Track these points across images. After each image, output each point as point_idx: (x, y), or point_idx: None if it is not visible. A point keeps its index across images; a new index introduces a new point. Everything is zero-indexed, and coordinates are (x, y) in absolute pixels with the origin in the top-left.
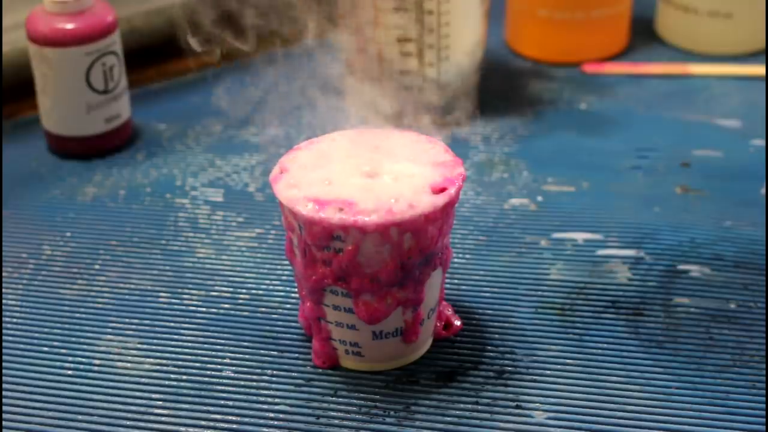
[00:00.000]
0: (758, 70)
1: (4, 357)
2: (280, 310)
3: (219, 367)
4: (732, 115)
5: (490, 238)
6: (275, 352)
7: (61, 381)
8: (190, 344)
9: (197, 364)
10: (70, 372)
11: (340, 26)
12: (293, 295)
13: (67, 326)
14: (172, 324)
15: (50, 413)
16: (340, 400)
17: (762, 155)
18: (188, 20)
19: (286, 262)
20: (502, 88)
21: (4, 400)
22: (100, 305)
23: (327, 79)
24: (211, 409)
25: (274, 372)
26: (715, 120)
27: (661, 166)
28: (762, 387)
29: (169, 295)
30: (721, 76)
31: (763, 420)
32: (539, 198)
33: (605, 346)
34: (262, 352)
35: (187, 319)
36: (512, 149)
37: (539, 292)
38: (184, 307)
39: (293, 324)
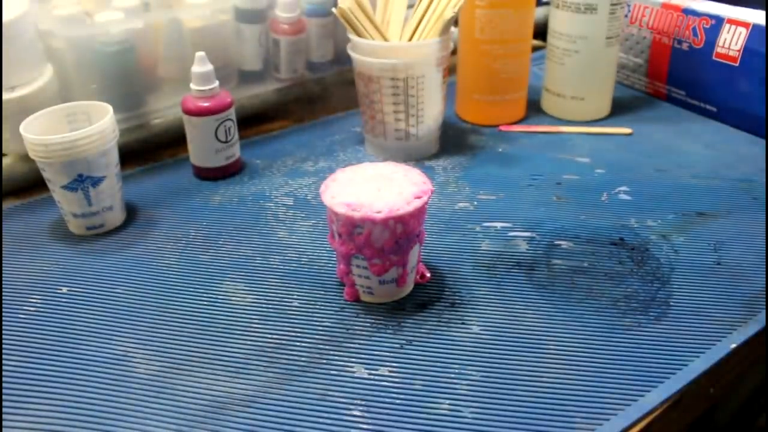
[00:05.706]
0: (601, 129)
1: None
2: (326, 268)
3: (290, 300)
4: (585, 155)
5: (447, 226)
6: (322, 292)
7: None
8: (274, 287)
9: (276, 298)
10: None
11: (360, 105)
12: (333, 260)
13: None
14: (264, 275)
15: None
16: (359, 319)
17: (602, 178)
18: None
19: None
20: (454, 139)
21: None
22: (225, 264)
23: (353, 135)
24: (286, 327)
25: (322, 303)
26: (575, 158)
27: (544, 185)
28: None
29: (261, 259)
30: (579, 133)
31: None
32: (475, 202)
33: (513, 288)
34: (315, 292)
35: (272, 273)
36: (459, 175)
37: (475, 257)
38: (271, 266)
39: (333, 276)
